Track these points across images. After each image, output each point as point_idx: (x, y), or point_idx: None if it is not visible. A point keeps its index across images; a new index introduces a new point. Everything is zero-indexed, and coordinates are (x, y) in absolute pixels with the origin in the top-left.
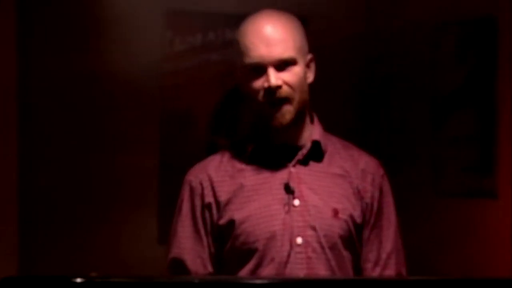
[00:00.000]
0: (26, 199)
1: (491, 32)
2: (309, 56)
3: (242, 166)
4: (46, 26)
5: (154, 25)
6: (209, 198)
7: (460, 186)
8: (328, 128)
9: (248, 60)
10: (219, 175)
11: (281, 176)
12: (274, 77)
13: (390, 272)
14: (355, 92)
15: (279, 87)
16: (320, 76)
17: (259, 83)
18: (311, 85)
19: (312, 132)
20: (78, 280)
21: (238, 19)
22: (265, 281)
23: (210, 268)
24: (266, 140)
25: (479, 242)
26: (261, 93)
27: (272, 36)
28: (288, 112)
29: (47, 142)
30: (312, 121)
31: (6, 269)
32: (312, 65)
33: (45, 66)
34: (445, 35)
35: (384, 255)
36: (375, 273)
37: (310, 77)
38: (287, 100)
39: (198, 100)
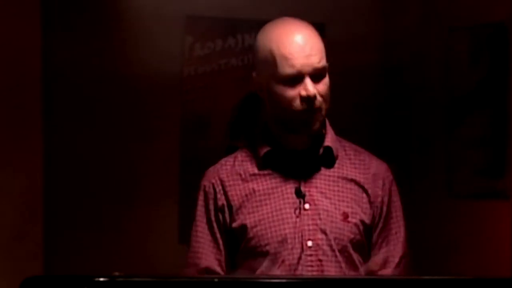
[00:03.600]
0: (50, 200)
1: (503, 37)
2: (327, 65)
3: (255, 170)
4: (69, 31)
5: (175, 30)
6: (222, 202)
7: (473, 188)
8: (345, 130)
9: (287, 71)
10: (231, 179)
11: (293, 180)
12: (312, 86)
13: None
14: (371, 97)
15: (315, 96)
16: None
17: (295, 92)
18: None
19: (324, 137)
20: (101, 279)
21: (257, 24)
22: (283, 280)
23: (223, 271)
24: (279, 146)
25: (491, 242)
26: (297, 102)
27: (309, 46)
28: (319, 121)
29: (71, 143)
30: (324, 127)
31: (31, 269)
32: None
33: (67, 67)
34: (458, 40)
35: (396, 258)
36: (385, 273)
37: None
38: (320, 110)
39: (217, 104)
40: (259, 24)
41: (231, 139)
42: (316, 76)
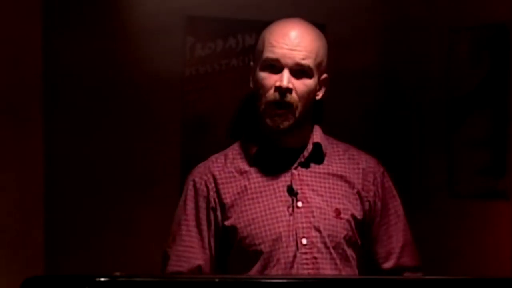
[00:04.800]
0: (51, 200)
1: (503, 37)
2: (325, 76)
3: (246, 168)
4: (70, 32)
5: (176, 31)
6: (214, 201)
7: (474, 188)
8: (345, 130)
9: (268, 55)
10: (223, 176)
11: (284, 178)
12: (287, 80)
13: (405, 263)
14: (371, 97)
15: (289, 90)
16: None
17: (271, 81)
18: (331, 87)
19: (313, 135)
20: (102, 279)
21: (257, 25)
22: (283, 280)
23: (208, 269)
24: (269, 144)
25: (492, 242)
26: (271, 91)
27: (298, 41)
28: (288, 118)
29: (72, 143)
30: (312, 127)
31: (32, 269)
32: (325, 85)
33: (68, 67)
34: (459, 40)
35: (397, 249)
36: (389, 265)
37: (319, 95)
38: (291, 106)
39: (218, 104)
40: (259, 24)
41: (232, 138)
42: (298, 73)
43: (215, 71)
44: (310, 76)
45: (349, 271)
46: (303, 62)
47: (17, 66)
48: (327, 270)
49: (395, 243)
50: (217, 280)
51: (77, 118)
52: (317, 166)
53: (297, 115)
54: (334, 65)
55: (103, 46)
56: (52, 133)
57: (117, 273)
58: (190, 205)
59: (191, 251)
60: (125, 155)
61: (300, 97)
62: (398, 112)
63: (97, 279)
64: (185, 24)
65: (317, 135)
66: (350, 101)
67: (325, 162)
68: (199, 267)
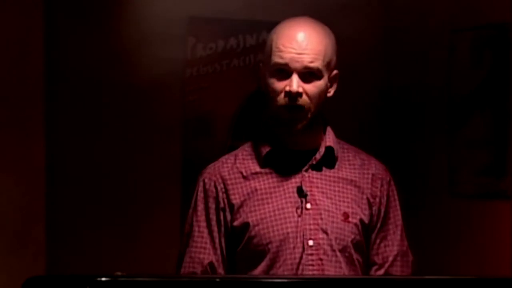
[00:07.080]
0: (52, 200)
1: (504, 38)
2: (335, 72)
3: (256, 169)
4: (72, 32)
5: (177, 31)
6: (223, 201)
7: (474, 188)
8: (346, 130)
9: (277, 60)
10: (232, 177)
11: (294, 180)
12: (297, 84)
13: (395, 273)
14: (373, 97)
15: (299, 94)
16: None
17: (281, 85)
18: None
19: (325, 138)
20: (103, 279)
21: (258, 25)
22: (285, 280)
23: (221, 270)
24: (281, 145)
25: (492, 242)
26: (281, 96)
27: (305, 44)
28: (300, 120)
29: (73, 143)
30: (325, 128)
31: (33, 269)
32: (336, 81)
33: (70, 68)
34: (460, 41)
35: (391, 257)
36: (379, 273)
37: (331, 91)
38: (303, 109)
39: (219, 104)
40: (260, 24)
41: (233, 139)
42: (307, 75)
43: (216, 71)
44: (319, 77)
45: (355, 275)
46: (312, 65)
47: (19, 67)
48: (332, 272)
49: (389, 252)
50: (217, 280)
51: (78, 118)
52: (327, 169)
53: (309, 115)
54: (337, 65)
55: (104, 47)
56: (54, 133)
57: (118, 273)
58: (201, 206)
59: (204, 252)
60: (126, 155)
61: (311, 98)
62: (399, 112)
63: (98, 279)
64: (186, 24)
65: (330, 138)
66: (351, 102)
67: (336, 166)
68: (212, 266)
